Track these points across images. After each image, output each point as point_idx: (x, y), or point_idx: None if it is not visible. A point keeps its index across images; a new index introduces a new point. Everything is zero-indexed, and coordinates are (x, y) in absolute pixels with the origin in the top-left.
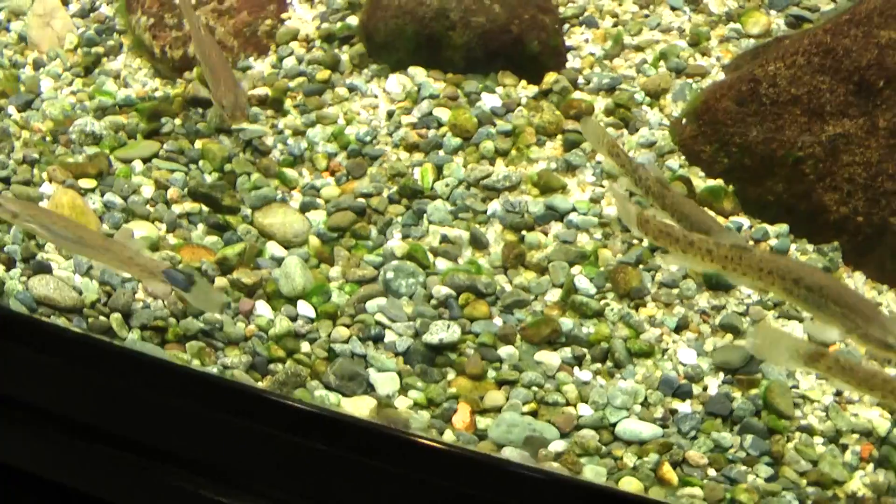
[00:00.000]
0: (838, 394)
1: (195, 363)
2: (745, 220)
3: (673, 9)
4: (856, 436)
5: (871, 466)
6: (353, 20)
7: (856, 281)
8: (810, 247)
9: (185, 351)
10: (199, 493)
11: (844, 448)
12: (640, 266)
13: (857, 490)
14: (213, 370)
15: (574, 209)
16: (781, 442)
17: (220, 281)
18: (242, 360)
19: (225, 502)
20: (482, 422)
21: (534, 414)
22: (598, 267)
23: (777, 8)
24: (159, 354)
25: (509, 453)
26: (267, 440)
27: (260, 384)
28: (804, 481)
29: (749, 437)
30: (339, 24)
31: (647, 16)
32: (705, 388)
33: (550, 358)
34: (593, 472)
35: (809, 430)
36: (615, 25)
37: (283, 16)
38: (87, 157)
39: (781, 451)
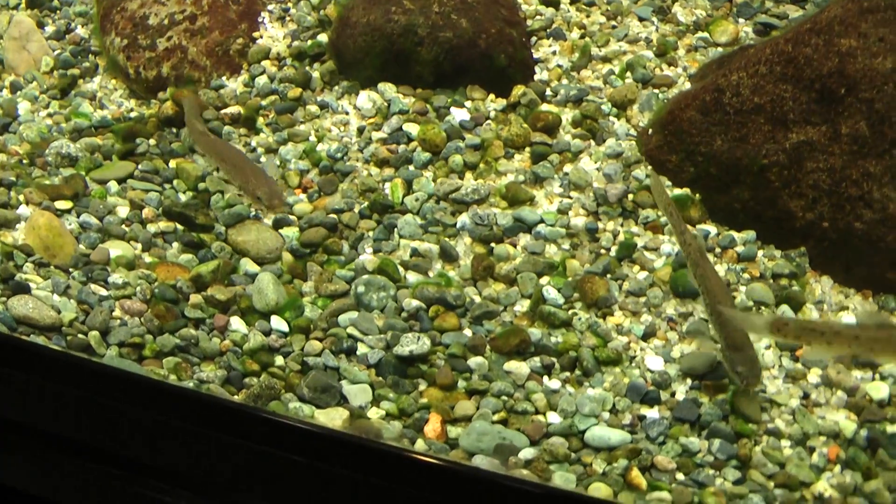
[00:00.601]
0: (805, 397)
1: (172, 378)
2: (711, 228)
3: (641, 19)
4: (823, 438)
5: (838, 468)
6: (324, 38)
7: (823, 286)
8: (777, 253)
9: (162, 367)
10: None
11: (812, 450)
12: (608, 275)
13: (823, 491)
14: (190, 385)
15: (542, 220)
16: (749, 445)
17: (195, 298)
18: (218, 374)
19: None
20: (453, 431)
21: (504, 423)
22: (565, 277)
23: (745, 16)
24: (138, 370)
25: (480, 461)
26: (245, 452)
27: (236, 398)
28: (771, 484)
29: (717, 442)
30: (309, 42)
31: (614, 27)
32: (673, 394)
33: (520, 367)
34: (563, 479)
35: (777, 434)
36: (582, 37)
37: (255, 34)
38: (63, 179)
39: (749, 454)
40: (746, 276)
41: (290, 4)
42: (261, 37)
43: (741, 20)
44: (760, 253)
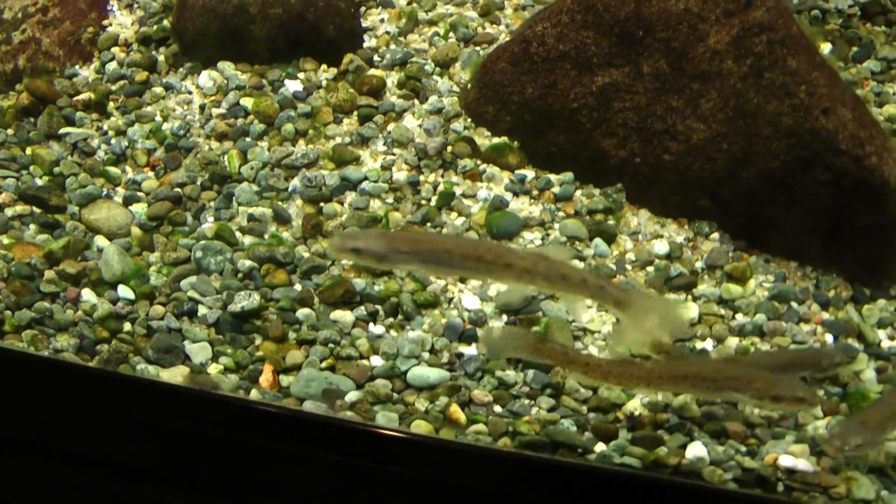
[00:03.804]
0: (618, 322)
1: (31, 350)
2: (529, 173)
3: None
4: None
5: None
6: (168, 22)
7: (640, 218)
8: (596, 191)
9: (21, 340)
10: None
11: None
12: (427, 224)
13: (634, 410)
14: (46, 354)
15: (366, 178)
16: (561, 374)
17: (49, 273)
18: (72, 343)
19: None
20: (285, 380)
21: (332, 369)
22: (388, 229)
23: None
24: None
25: (309, 406)
26: (95, 413)
27: (90, 364)
28: (585, 408)
29: (531, 373)
30: (154, 27)
31: None
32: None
33: (345, 316)
34: (385, 418)
35: None
36: (410, 3)
37: (105, 22)
38: None
39: (561, 382)
40: (561, 214)
41: None
42: (110, 24)
43: None
44: (579, 192)
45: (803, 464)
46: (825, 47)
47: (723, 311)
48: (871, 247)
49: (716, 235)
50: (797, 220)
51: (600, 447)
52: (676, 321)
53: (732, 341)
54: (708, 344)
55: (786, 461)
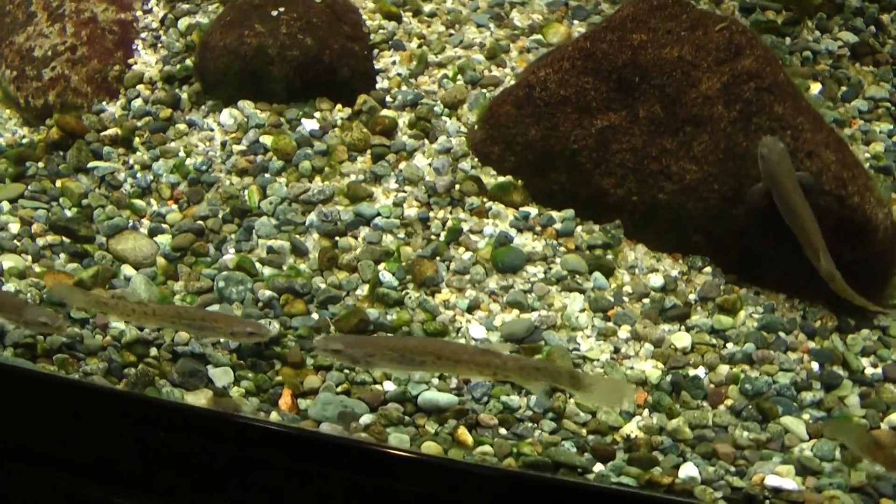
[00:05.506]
0: (616, 351)
1: (61, 373)
2: (532, 210)
3: (478, 26)
4: (632, 386)
5: (646, 411)
6: (191, 62)
7: (637, 252)
8: (596, 227)
9: (52, 363)
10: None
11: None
12: (437, 258)
13: (630, 433)
14: (76, 377)
15: (379, 214)
16: (562, 398)
17: None
18: (100, 366)
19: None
20: (303, 403)
21: (347, 393)
22: (400, 262)
23: (579, 17)
24: (31, 367)
25: (325, 428)
26: (125, 436)
27: (118, 387)
28: (584, 430)
29: (533, 398)
30: (178, 66)
31: (451, 35)
32: None
33: None
34: (397, 440)
35: None
36: (421, 46)
37: (130, 61)
38: None
39: (562, 406)
40: (563, 249)
41: (160, 32)
42: (135, 63)
43: (575, 21)
44: (579, 228)
45: (788, 483)
46: (815, 87)
47: (714, 341)
48: (854, 280)
49: (708, 269)
50: (785, 255)
51: (598, 467)
52: None
53: (723, 369)
54: (700, 371)
55: (772, 481)
